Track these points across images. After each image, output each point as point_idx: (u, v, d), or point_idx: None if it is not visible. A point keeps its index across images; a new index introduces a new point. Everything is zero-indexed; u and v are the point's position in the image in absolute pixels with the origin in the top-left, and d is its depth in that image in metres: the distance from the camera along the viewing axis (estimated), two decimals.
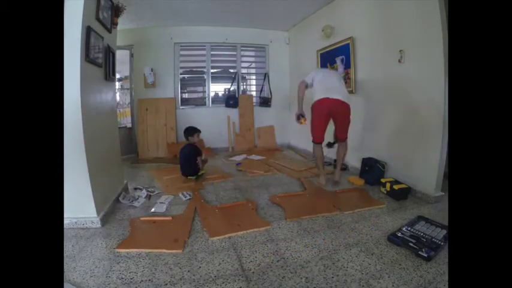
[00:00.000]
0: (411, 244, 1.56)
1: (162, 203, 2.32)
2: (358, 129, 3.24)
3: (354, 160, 3.21)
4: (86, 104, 1.82)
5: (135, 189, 2.68)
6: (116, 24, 2.45)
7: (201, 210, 2.15)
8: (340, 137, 2.75)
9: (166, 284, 1.30)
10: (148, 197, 2.50)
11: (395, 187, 2.37)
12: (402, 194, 2.36)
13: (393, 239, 1.65)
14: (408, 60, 2.47)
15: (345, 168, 2.62)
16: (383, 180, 2.53)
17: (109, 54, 2.27)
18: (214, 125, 4.87)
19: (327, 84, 2.65)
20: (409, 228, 1.75)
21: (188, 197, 2.44)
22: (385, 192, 2.49)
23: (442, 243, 1.53)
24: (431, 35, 2.19)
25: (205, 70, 4.93)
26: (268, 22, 4.58)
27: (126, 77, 4.83)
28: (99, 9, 2.00)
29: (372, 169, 2.78)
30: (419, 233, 1.68)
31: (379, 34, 2.82)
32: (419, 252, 1.48)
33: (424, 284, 1.28)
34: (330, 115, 2.64)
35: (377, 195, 2.48)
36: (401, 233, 1.69)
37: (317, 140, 2.72)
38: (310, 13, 4.10)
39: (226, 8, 3.85)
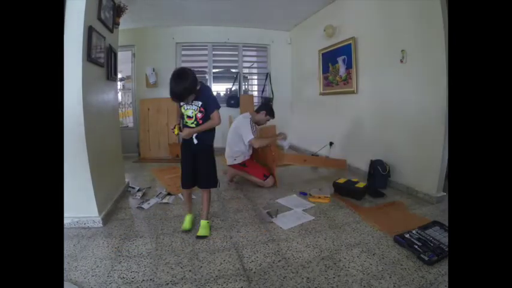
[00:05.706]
0: (416, 246, 1.54)
1: (167, 202, 2.33)
2: (362, 130, 3.23)
3: (358, 162, 3.21)
4: (87, 104, 1.82)
5: (130, 187, 2.69)
6: (118, 24, 2.46)
7: None
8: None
9: (167, 284, 1.30)
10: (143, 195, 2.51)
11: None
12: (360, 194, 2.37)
13: (399, 239, 1.63)
14: (410, 60, 2.47)
15: None
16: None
17: (111, 54, 2.28)
18: None
19: None
20: (419, 231, 1.71)
21: None
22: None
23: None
24: (433, 35, 2.18)
25: (207, 70, 4.93)
26: (270, 22, 4.58)
27: (128, 77, 4.85)
28: (101, 9, 2.01)
29: (375, 172, 2.67)
30: (428, 237, 1.64)
31: (381, 34, 2.81)
32: (421, 255, 1.46)
33: (426, 284, 1.27)
34: None
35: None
36: (410, 235, 1.66)
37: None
38: (311, 13, 4.10)
39: (228, 8, 3.85)
